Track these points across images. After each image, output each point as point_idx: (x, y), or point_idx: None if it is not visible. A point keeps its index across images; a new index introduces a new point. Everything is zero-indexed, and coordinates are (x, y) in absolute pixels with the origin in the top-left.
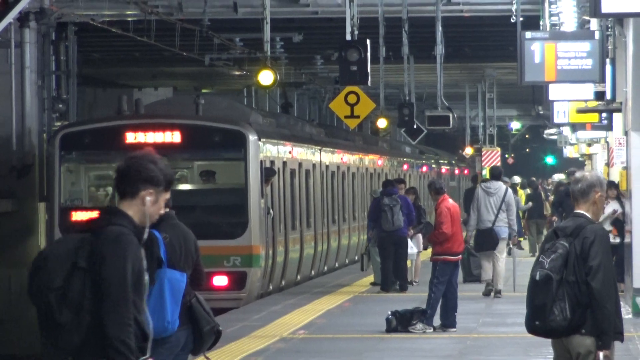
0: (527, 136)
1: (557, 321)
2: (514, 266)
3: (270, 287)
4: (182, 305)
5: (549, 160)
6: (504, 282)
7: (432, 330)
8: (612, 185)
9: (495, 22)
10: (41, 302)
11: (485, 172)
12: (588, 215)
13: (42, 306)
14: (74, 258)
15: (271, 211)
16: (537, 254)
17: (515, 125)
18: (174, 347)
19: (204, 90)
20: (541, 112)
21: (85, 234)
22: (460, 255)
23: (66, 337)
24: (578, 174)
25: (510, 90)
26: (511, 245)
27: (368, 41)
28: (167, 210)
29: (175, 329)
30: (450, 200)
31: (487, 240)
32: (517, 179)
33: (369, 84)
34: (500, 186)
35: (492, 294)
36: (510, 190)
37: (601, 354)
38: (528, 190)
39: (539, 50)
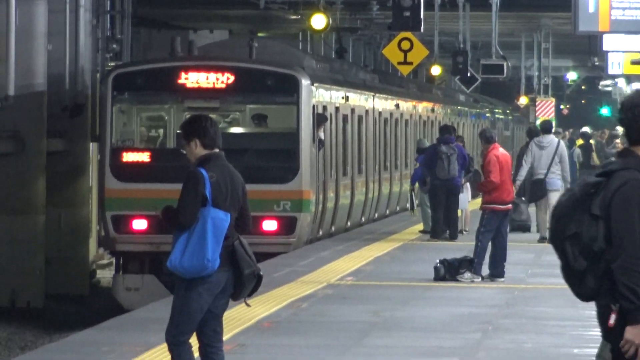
0: (582, 87)
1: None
2: None
3: (320, 233)
4: (225, 247)
5: (604, 111)
6: None
7: (480, 279)
8: None
9: None
10: (558, 250)
11: (538, 122)
12: None
13: (559, 253)
14: (588, 204)
15: (322, 139)
16: None
17: (571, 76)
18: (214, 288)
19: (259, 34)
20: (597, 63)
21: (600, 179)
22: (510, 205)
23: (583, 283)
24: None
25: (566, 41)
26: None
27: None
28: (217, 150)
29: (215, 268)
30: (501, 149)
31: (538, 191)
32: (586, 129)
33: (422, 30)
34: (552, 139)
35: (544, 241)
36: (562, 143)
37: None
38: (580, 141)
39: (594, 0)
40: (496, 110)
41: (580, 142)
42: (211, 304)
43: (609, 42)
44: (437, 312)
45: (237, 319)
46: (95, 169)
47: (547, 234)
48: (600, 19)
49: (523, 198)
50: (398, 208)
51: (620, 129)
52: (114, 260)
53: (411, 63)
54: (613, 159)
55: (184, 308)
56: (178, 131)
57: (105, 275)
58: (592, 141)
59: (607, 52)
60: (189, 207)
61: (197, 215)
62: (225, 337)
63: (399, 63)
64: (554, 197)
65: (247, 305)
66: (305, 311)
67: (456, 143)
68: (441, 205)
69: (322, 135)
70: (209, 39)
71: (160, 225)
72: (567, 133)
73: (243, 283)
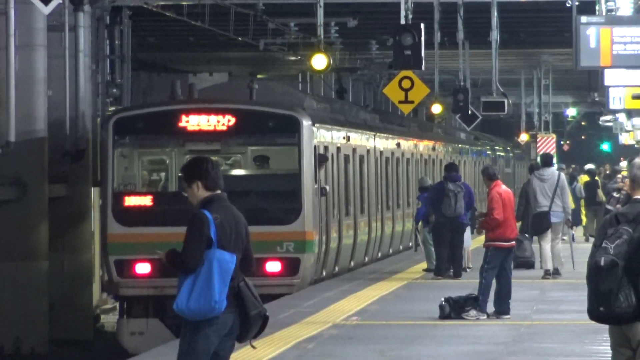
0: (582, 123)
1: (623, 308)
2: (571, 248)
3: (324, 273)
4: (230, 288)
5: (605, 147)
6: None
7: (485, 317)
8: None
9: (550, 8)
10: None
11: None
12: None
13: None
14: None
15: (327, 188)
16: (594, 240)
17: (571, 112)
18: (221, 329)
19: (259, 76)
20: (597, 99)
21: None
22: (514, 242)
23: None
24: (638, 159)
25: (566, 77)
26: (570, 229)
27: (422, 25)
28: (219, 192)
29: (223, 310)
30: (503, 186)
31: (541, 223)
32: (590, 166)
33: (423, 68)
34: (552, 172)
35: (549, 276)
36: (563, 176)
37: None
38: (586, 178)
39: (595, 35)
40: (497, 148)
41: (585, 178)
42: (217, 347)
43: (610, 77)
44: (443, 350)
45: None
46: (97, 214)
47: (550, 267)
48: (602, 54)
49: (526, 235)
50: (401, 247)
51: (622, 165)
52: (117, 304)
53: (412, 102)
54: (615, 194)
55: (191, 351)
56: (179, 174)
57: (109, 320)
58: (597, 178)
59: (608, 87)
60: (194, 249)
61: (203, 258)
62: None
63: (400, 102)
64: (557, 229)
65: (253, 347)
66: (311, 352)
67: (463, 182)
68: (445, 243)
69: (326, 185)
70: (208, 82)
71: (164, 268)
72: (570, 169)
73: (249, 324)
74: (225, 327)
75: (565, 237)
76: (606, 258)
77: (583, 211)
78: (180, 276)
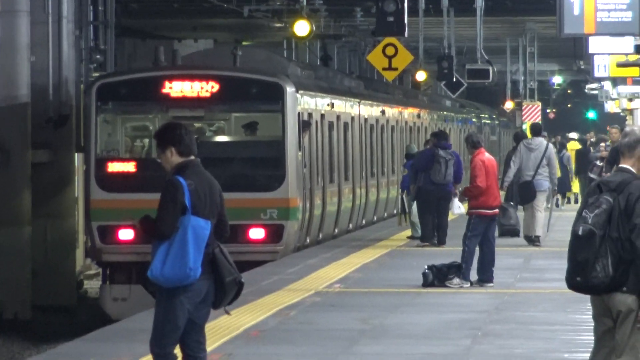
0: (568, 91)
1: (599, 278)
2: (549, 216)
3: (308, 240)
4: (205, 255)
5: (591, 115)
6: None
7: (469, 285)
8: None
9: None
10: None
11: (526, 127)
12: (633, 170)
13: None
14: None
15: (305, 166)
16: (578, 208)
17: (557, 80)
18: (196, 296)
19: (244, 43)
20: (582, 67)
21: None
22: (497, 210)
23: None
24: (627, 128)
25: (551, 45)
26: (553, 198)
27: None
28: (192, 158)
29: (198, 277)
30: (487, 154)
31: (527, 193)
32: (573, 135)
33: (406, 35)
34: (541, 142)
35: (532, 242)
36: (551, 146)
37: None
38: (577, 145)
39: (579, 2)
40: (482, 115)
41: (576, 146)
42: (193, 314)
43: (595, 44)
44: (426, 318)
45: (224, 327)
46: (81, 180)
47: (532, 233)
48: (585, 21)
49: (511, 202)
50: (385, 214)
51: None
52: (100, 270)
53: (396, 69)
54: (598, 162)
55: (167, 318)
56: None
57: (92, 286)
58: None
59: (592, 54)
60: (168, 216)
61: (177, 225)
62: (212, 347)
63: (384, 69)
64: (541, 198)
65: (228, 313)
66: (293, 319)
67: (453, 150)
68: (431, 210)
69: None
70: (193, 49)
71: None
72: (558, 137)
73: (225, 291)
74: (200, 294)
75: (549, 205)
76: (584, 227)
77: (575, 179)
78: (154, 243)
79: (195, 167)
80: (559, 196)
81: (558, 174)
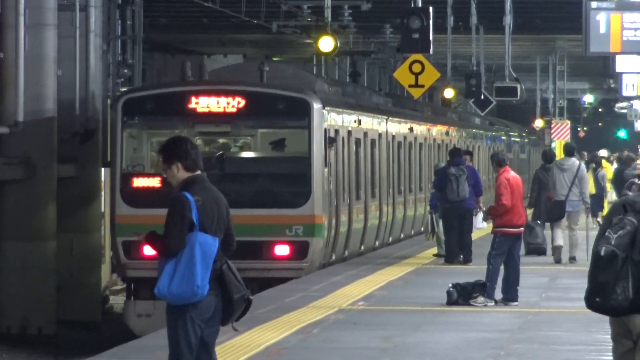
0: (599, 110)
1: (619, 300)
2: (587, 236)
3: (333, 257)
4: (213, 271)
5: (621, 134)
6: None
7: (493, 303)
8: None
9: None
10: None
11: (555, 145)
12: None
13: None
14: None
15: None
16: (601, 226)
17: (588, 98)
18: (205, 313)
19: (274, 58)
20: (612, 85)
21: None
22: (522, 228)
23: None
24: None
25: (582, 63)
26: (590, 218)
27: (431, 8)
28: (199, 173)
29: (205, 294)
30: (512, 172)
31: (557, 211)
32: (603, 153)
33: (431, 52)
34: (573, 162)
35: (563, 259)
36: (583, 166)
37: None
38: (615, 164)
39: (605, 21)
40: (512, 133)
41: (609, 165)
42: (203, 331)
43: (622, 63)
44: (449, 337)
45: (245, 345)
46: (107, 195)
47: (559, 247)
48: (612, 39)
49: (539, 221)
50: (412, 232)
51: None
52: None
53: (423, 86)
54: (637, 180)
55: (181, 336)
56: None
57: (118, 301)
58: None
59: (620, 73)
60: (176, 233)
61: (185, 241)
62: None
63: (410, 86)
64: (574, 219)
65: (235, 330)
66: (315, 337)
67: (467, 164)
68: (454, 229)
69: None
70: (223, 64)
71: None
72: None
73: (233, 308)
74: (209, 310)
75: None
76: (607, 248)
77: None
78: (160, 259)
79: (202, 183)
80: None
81: (592, 191)
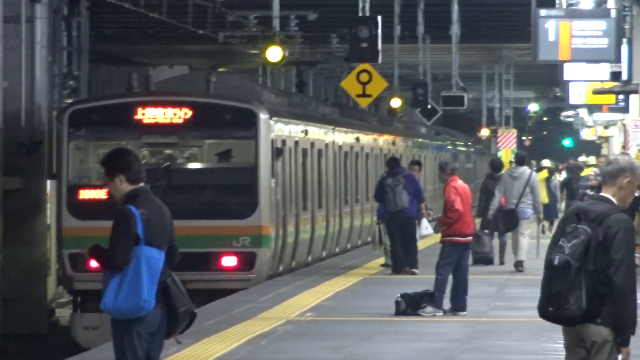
0: (544, 119)
1: (572, 310)
2: (537, 244)
3: (280, 268)
4: (158, 284)
5: (566, 142)
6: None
7: (442, 313)
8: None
9: (512, 2)
10: None
11: (501, 154)
12: (614, 199)
13: None
14: None
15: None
16: (553, 234)
17: (533, 107)
18: (151, 326)
19: (220, 69)
20: (558, 94)
21: None
22: (470, 237)
23: None
24: (611, 157)
25: (527, 72)
26: (539, 225)
27: (379, 18)
28: (142, 185)
29: (152, 308)
30: (459, 181)
31: (510, 220)
32: (546, 162)
33: (380, 61)
34: (524, 170)
35: (516, 267)
36: (534, 174)
37: (620, 356)
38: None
39: (554, 29)
40: (458, 142)
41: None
42: (149, 345)
43: (570, 71)
44: (398, 347)
45: (194, 357)
46: (53, 207)
47: (522, 258)
48: (560, 47)
49: (486, 231)
50: (360, 242)
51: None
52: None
53: (370, 95)
54: (589, 191)
55: (127, 351)
56: (100, 167)
57: (65, 314)
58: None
59: (568, 81)
60: (122, 247)
61: (131, 255)
62: None
63: (358, 95)
64: (525, 225)
65: (179, 342)
66: (264, 349)
67: (407, 172)
68: (398, 239)
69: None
70: (168, 75)
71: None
72: (533, 162)
73: (177, 321)
74: (155, 323)
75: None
76: (560, 257)
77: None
78: (105, 273)
79: (146, 195)
80: (546, 223)
81: (545, 200)
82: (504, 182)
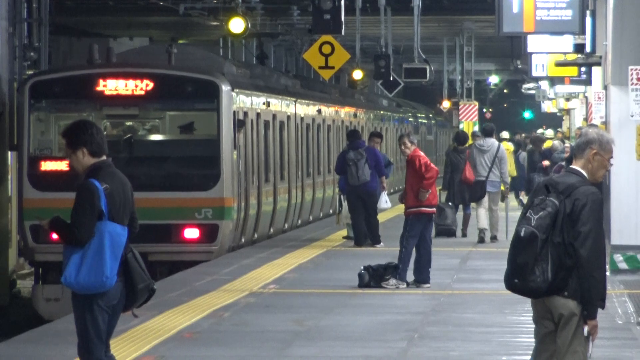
0: (505, 91)
1: (537, 282)
2: (506, 217)
3: (243, 240)
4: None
5: (527, 115)
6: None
7: (405, 285)
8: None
9: None
10: None
11: (463, 126)
12: (583, 172)
13: None
14: None
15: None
16: (524, 206)
17: (494, 79)
18: (112, 300)
19: (180, 41)
20: (520, 67)
21: None
22: (434, 209)
23: None
24: (582, 129)
25: (489, 44)
26: (506, 197)
27: None
28: (105, 158)
29: (113, 284)
30: (422, 153)
31: (477, 191)
32: (505, 134)
33: (343, 33)
34: (493, 143)
35: (486, 239)
36: (502, 146)
37: (586, 328)
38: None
39: (518, 0)
40: (419, 115)
41: (508, 146)
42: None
43: (534, 43)
44: (361, 320)
45: (156, 329)
46: (14, 179)
47: (485, 226)
48: (525, 19)
49: (450, 203)
50: (322, 214)
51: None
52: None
53: (332, 67)
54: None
55: (90, 324)
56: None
57: (26, 285)
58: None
59: (531, 54)
60: (85, 222)
61: (94, 231)
62: (144, 349)
63: (320, 67)
64: (495, 198)
65: (135, 316)
66: (227, 321)
67: (368, 146)
68: (359, 211)
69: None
70: (129, 47)
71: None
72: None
73: (136, 296)
74: (116, 297)
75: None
76: (526, 229)
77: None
78: (66, 247)
79: (108, 169)
80: (523, 194)
81: (513, 173)
82: (473, 156)
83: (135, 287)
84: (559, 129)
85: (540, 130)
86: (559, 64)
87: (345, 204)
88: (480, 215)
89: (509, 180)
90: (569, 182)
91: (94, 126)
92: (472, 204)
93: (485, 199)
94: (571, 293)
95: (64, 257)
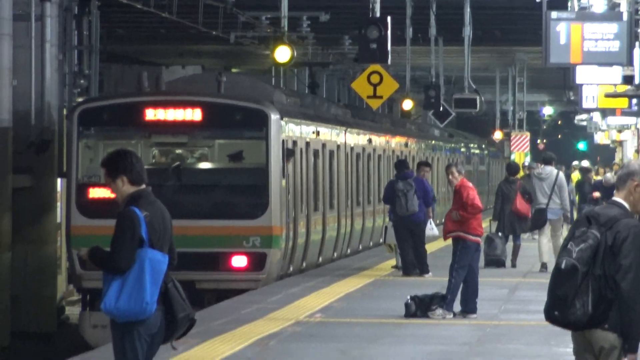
0: (559, 122)
1: (577, 315)
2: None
3: (291, 269)
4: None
5: (581, 146)
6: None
7: (452, 316)
8: None
9: (524, 5)
10: None
11: (514, 157)
12: (625, 204)
13: None
14: None
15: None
16: (565, 237)
17: (548, 110)
18: (152, 328)
19: (233, 70)
20: (572, 98)
21: None
22: (479, 238)
23: None
24: (626, 161)
25: (541, 75)
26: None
27: (389, 18)
28: (144, 186)
29: (153, 311)
30: (470, 184)
31: (538, 219)
32: (585, 163)
33: (389, 62)
34: (551, 171)
35: (544, 269)
36: (561, 174)
37: None
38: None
39: (565, 31)
40: (471, 145)
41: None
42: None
43: (582, 75)
44: (407, 350)
45: (201, 357)
46: (63, 206)
47: (546, 260)
48: (572, 50)
49: (500, 233)
50: (371, 243)
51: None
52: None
53: (381, 97)
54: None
55: (128, 353)
56: (101, 168)
57: (74, 312)
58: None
59: (580, 85)
60: (126, 250)
61: (135, 258)
62: None
63: (369, 97)
64: (555, 225)
65: (174, 348)
66: (271, 350)
67: (417, 176)
68: (407, 242)
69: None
70: (181, 75)
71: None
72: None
73: (176, 326)
74: (156, 326)
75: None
76: (567, 261)
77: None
78: (106, 274)
79: (148, 197)
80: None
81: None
82: (531, 184)
83: (175, 316)
84: (615, 162)
85: (584, 163)
86: (609, 96)
87: (389, 233)
88: (543, 246)
89: (568, 207)
90: (611, 215)
91: (133, 155)
92: (523, 235)
93: (547, 227)
94: (612, 326)
95: (103, 284)
